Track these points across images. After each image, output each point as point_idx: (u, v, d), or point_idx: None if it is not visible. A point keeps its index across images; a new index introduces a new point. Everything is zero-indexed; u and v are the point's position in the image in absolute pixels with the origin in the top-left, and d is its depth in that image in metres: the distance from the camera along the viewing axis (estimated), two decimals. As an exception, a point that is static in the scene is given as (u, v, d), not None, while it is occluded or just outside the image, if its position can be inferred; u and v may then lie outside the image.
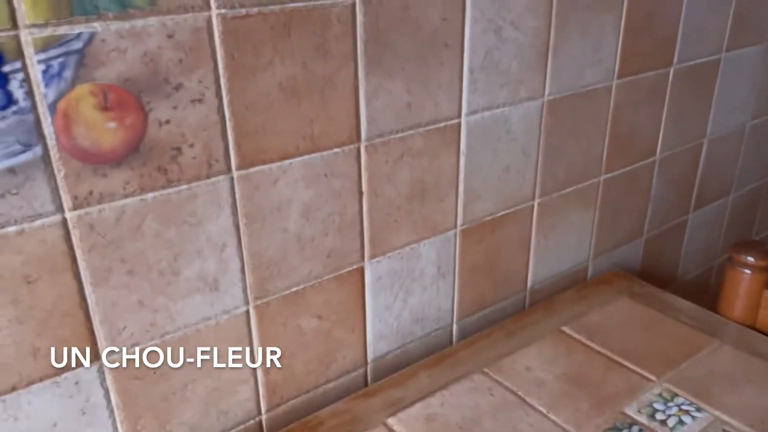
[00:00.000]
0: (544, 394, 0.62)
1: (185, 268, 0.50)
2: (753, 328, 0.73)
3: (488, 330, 0.72)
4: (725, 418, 0.58)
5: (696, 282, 1.08)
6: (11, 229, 0.42)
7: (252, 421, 0.59)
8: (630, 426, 0.57)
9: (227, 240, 0.52)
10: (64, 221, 0.43)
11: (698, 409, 0.59)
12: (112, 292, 0.47)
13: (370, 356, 0.66)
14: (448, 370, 0.66)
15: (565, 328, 0.72)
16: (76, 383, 0.47)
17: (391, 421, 0.59)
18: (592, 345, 0.69)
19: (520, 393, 0.62)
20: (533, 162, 0.72)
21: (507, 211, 0.72)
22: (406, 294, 0.67)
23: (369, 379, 0.67)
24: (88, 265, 0.45)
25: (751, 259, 0.70)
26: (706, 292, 1.10)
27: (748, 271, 0.70)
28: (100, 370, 0.48)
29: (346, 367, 0.64)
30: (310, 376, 0.62)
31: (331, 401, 0.62)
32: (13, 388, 0.45)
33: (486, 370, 0.65)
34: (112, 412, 0.50)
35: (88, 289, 0.46)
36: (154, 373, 0.51)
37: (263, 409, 0.59)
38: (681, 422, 0.57)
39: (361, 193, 0.59)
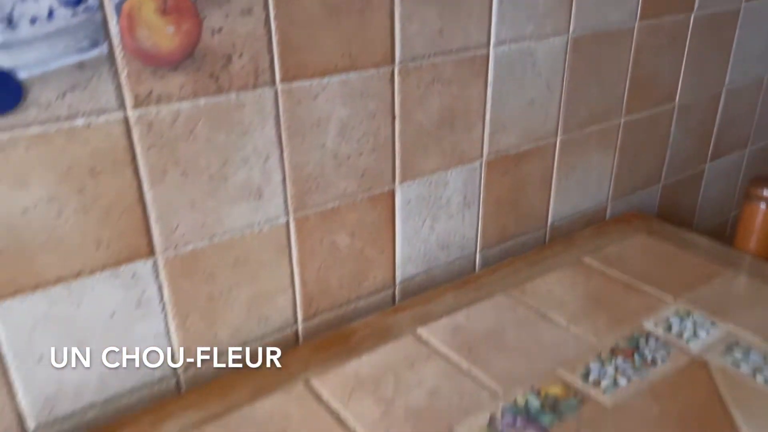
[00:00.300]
0: (564, 311, 0.65)
1: (233, 174, 0.54)
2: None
3: (510, 260, 0.76)
4: (738, 331, 0.61)
5: (711, 233, 1.10)
6: (80, 121, 0.45)
7: (289, 329, 0.63)
8: (646, 337, 0.60)
9: (271, 151, 0.55)
10: (126, 119, 0.47)
11: (713, 324, 0.62)
12: (167, 191, 0.51)
13: (398, 278, 0.69)
14: (473, 292, 0.69)
15: (585, 259, 0.75)
16: (133, 276, 0.51)
17: (420, 331, 0.62)
18: (610, 273, 0.72)
19: (541, 310, 0.65)
20: (557, 98, 0.75)
21: (531, 145, 0.75)
22: (433, 220, 0.70)
23: (397, 299, 0.70)
24: (146, 162, 0.49)
25: (766, 192, 0.72)
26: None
27: (763, 205, 0.73)
28: (155, 266, 0.52)
29: (376, 286, 0.68)
30: (342, 291, 0.65)
31: (361, 317, 0.66)
32: (78, 275, 0.49)
33: (509, 291, 0.69)
34: (164, 307, 0.54)
35: (145, 186, 0.49)
36: (203, 273, 0.55)
37: (300, 319, 0.63)
38: (695, 335, 0.60)
39: (393, 116, 0.62)
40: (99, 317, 0.51)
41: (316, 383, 0.55)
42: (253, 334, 0.60)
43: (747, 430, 0.50)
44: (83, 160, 0.46)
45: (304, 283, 0.62)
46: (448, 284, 0.71)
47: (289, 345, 0.63)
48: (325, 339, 0.62)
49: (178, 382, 0.57)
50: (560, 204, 0.82)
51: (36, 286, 0.47)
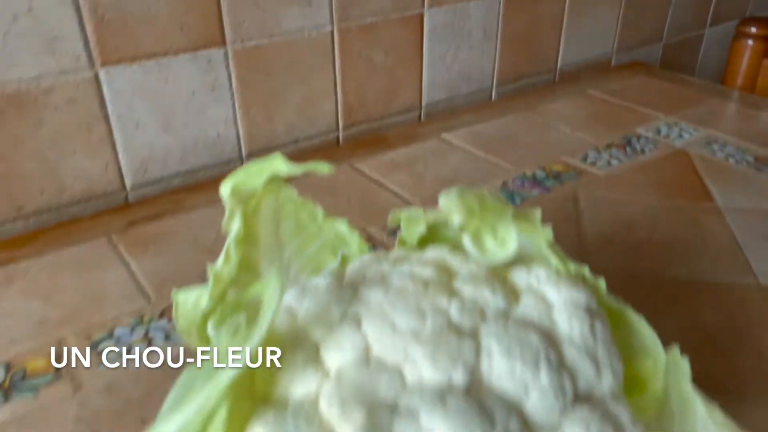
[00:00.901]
0: (569, 123, 0.75)
1: (288, -21, 0.63)
2: (752, 97, 0.85)
3: (523, 92, 0.85)
4: (717, 134, 0.71)
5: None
6: None
7: (332, 135, 0.73)
8: (638, 137, 0.70)
9: (320, -39, 0.64)
10: None
11: (696, 129, 0.72)
12: (236, -13, 0.60)
13: (424, 100, 0.79)
14: (489, 113, 0.79)
15: (590, 91, 0.84)
16: (208, 62, 0.61)
17: (444, 135, 0.73)
18: (612, 100, 0.81)
19: (549, 123, 0.75)
20: (570, -58, 0.82)
21: (544, -13, 0.83)
22: (457, 49, 0.79)
23: (422, 120, 0.80)
24: (220, -43, 0.58)
25: (754, 29, 0.80)
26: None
27: (750, 42, 0.81)
28: (225, 55, 0.62)
29: (405, 105, 0.78)
30: (377, 105, 0.75)
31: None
32: (165, 54, 0.59)
33: (521, 113, 0.78)
34: (232, 95, 0.64)
35: (219, -20, 0.59)
36: (263, 69, 0.65)
37: (341, 126, 0.73)
38: (680, 136, 0.70)
39: (424, -58, 0.70)
40: (182, 94, 0.61)
41: (359, 165, 0.66)
42: (303, 134, 0.71)
43: (716, 191, 0.60)
44: (172, -52, 0.55)
45: (345, 92, 0.72)
46: (467, 108, 0.81)
47: (332, 148, 0.74)
48: (362, 140, 0.72)
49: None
50: (569, 49, 0.91)
51: (134, 58, 0.57)
